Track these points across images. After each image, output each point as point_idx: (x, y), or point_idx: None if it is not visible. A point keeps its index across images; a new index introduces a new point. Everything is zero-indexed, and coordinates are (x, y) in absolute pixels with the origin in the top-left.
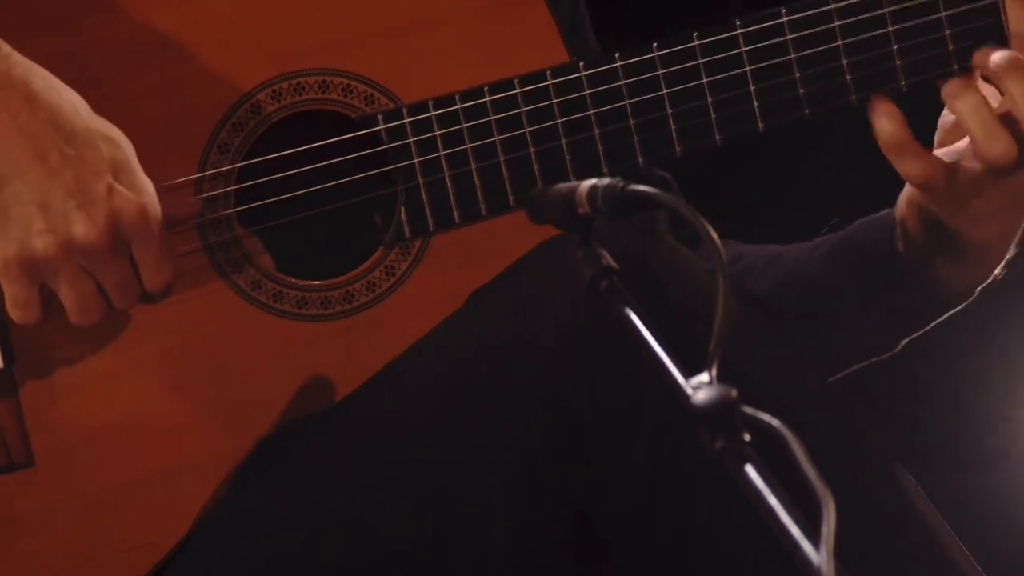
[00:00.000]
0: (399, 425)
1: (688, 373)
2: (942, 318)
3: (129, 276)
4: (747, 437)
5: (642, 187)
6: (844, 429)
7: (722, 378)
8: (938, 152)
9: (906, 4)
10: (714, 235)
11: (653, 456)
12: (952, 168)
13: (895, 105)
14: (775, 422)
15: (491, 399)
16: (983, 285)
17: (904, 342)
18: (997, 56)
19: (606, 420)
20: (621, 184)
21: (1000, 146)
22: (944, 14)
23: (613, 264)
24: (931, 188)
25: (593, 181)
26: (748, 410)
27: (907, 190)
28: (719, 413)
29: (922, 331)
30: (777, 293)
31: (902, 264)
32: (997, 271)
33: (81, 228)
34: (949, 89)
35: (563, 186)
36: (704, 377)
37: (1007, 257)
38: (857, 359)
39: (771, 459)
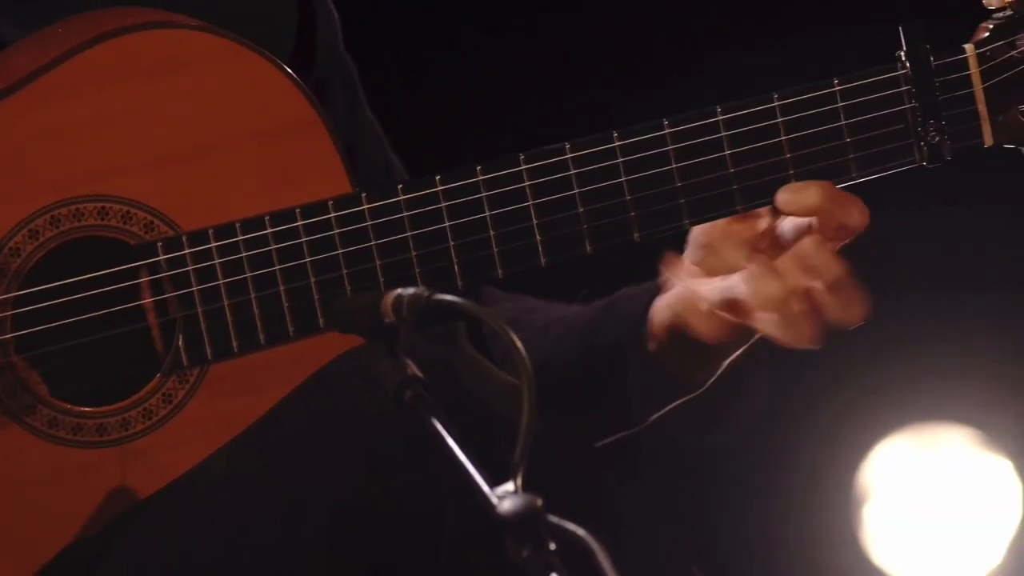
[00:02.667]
0: (191, 534)
1: (492, 483)
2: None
3: None
4: (552, 546)
5: (448, 296)
6: (646, 534)
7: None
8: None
9: (693, 140)
10: (519, 345)
11: (454, 567)
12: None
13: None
14: (580, 531)
15: (287, 509)
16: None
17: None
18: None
19: (406, 531)
20: (427, 293)
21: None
22: (728, 152)
23: (418, 373)
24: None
25: (399, 290)
26: (553, 519)
27: (670, 315)
28: (524, 522)
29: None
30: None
31: (654, 364)
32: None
33: None
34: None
35: (369, 294)
36: (509, 486)
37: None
38: (610, 433)
39: (577, 568)
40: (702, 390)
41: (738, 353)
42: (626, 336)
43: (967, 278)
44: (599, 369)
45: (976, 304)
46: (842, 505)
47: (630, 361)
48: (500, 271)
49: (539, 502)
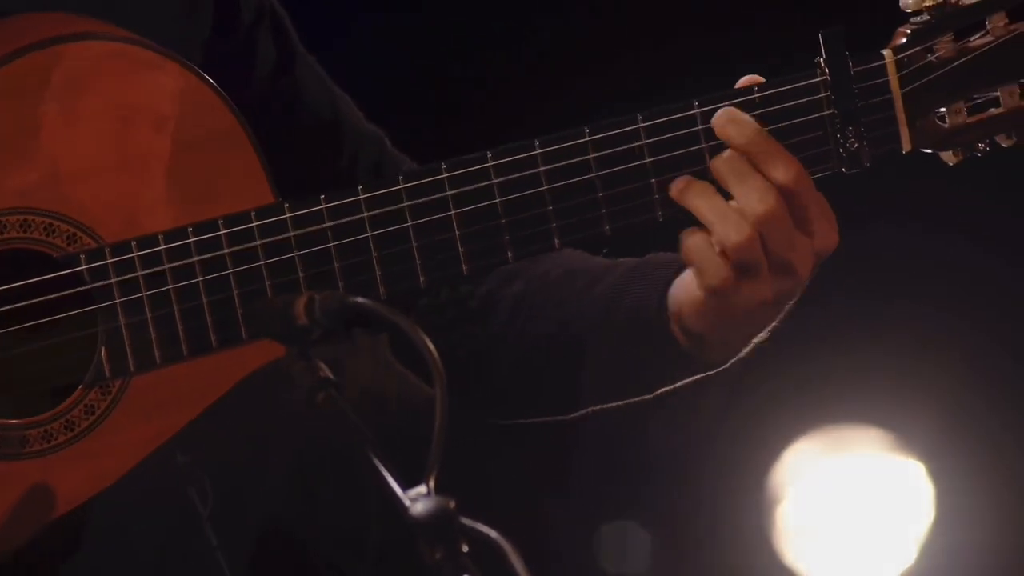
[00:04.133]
0: (107, 544)
1: (408, 486)
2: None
3: None
4: (465, 548)
5: (361, 299)
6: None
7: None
8: None
9: (614, 149)
10: (432, 348)
11: (379, 572)
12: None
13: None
14: (493, 532)
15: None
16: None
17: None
18: (717, 159)
19: (330, 538)
20: (340, 296)
21: (735, 229)
22: (648, 160)
23: (331, 376)
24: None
25: (312, 293)
26: (466, 521)
27: (689, 291)
28: (437, 524)
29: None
30: (555, 334)
31: (674, 342)
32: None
33: None
34: (678, 185)
35: (282, 298)
36: (422, 489)
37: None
38: (603, 401)
39: (490, 569)
40: (721, 368)
41: (763, 335)
42: (650, 303)
43: (879, 281)
44: (619, 331)
45: (888, 307)
46: (754, 507)
47: (652, 328)
48: (422, 279)
49: (452, 504)
